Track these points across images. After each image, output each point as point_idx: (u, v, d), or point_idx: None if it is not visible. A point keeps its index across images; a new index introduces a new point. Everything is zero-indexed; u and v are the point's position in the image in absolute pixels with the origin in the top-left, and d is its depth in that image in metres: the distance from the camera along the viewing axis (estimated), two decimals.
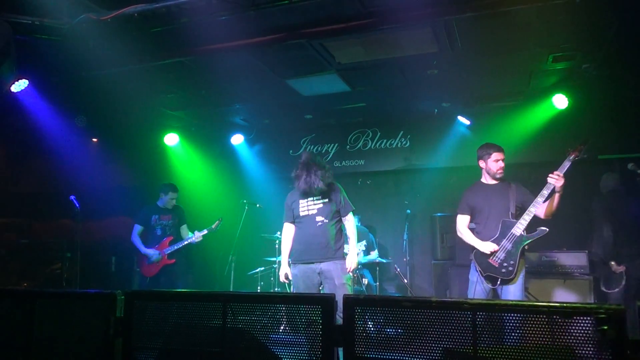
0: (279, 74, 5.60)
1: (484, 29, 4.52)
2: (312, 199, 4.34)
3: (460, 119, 6.86)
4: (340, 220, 4.38)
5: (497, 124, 6.59)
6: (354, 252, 4.28)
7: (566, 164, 3.91)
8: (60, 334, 2.63)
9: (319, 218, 4.27)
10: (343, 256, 4.30)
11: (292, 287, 4.48)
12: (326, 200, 4.31)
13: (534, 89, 6.14)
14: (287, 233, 4.46)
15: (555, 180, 3.83)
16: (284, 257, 4.42)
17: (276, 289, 6.44)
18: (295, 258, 4.35)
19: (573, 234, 5.97)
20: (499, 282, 3.98)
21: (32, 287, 6.22)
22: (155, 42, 4.58)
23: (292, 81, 5.83)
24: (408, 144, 7.35)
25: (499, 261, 3.97)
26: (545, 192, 3.88)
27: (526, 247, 4.02)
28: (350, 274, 4.28)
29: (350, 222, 4.39)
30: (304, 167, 4.31)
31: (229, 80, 5.85)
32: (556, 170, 3.89)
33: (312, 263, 4.21)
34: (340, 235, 4.35)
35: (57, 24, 3.99)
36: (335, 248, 4.23)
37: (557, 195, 3.92)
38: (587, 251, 5.52)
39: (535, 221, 4.04)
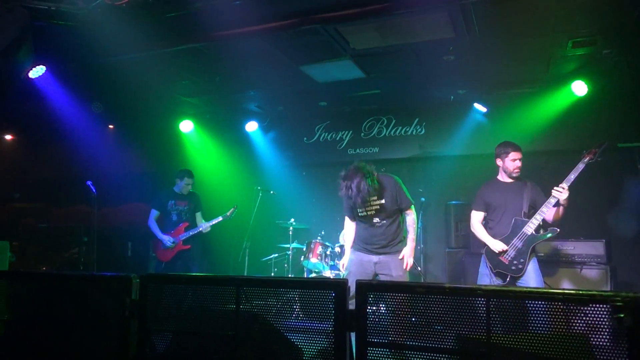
0: (293, 60, 5.57)
1: (501, 13, 4.43)
2: (368, 200, 4.12)
3: (477, 106, 6.76)
4: (400, 216, 4.24)
5: (515, 111, 6.49)
6: (411, 245, 4.15)
7: (580, 167, 3.99)
8: (78, 315, 2.68)
9: (376, 220, 4.13)
10: (402, 249, 4.18)
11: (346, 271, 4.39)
12: (382, 201, 4.10)
13: (552, 76, 6.02)
14: (349, 227, 4.39)
15: (560, 193, 3.94)
16: (347, 248, 4.38)
17: (290, 275, 6.48)
18: (356, 246, 4.31)
19: (590, 223, 5.89)
20: (508, 279, 4.11)
21: (50, 271, 6.34)
22: (169, 27, 4.58)
23: (306, 67, 5.79)
24: (423, 131, 7.28)
25: (509, 259, 4.10)
26: (552, 200, 4.00)
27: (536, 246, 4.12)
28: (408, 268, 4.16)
29: (410, 216, 4.23)
30: (349, 179, 3.98)
31: (244, 67, 5.84)
32: (572, 168, 3.97)
33: (371, 254, 4.16)
34: (400, 229, 4.23)
35: (73, 10, 4.00)
36: (394, 243, 4.14)
37: (561, 208, 4.03)
38: (604, 240, 5.44)
39: None
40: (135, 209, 7.10)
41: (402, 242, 4.18)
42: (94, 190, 5.77)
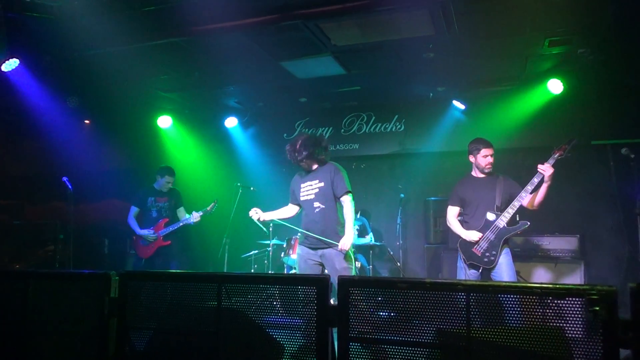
0: (273, 56, 5.55)
1: (480, 12, 4.49)
2: (309, 183, 4.31)
3: (456, 103, 6.84)
4: (338, 205, 4.26)
5: (493, 108, 6.59)
6: (349, 234, 4.16)
7: (550, 162, 4.11)
8: (55, 314, 2.63)
9: (316, 204, 4.24)
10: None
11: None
12: (322, 184, 4.25)
13: (529, 74, 6.12)
14: (286, 210, 4.54)
15: (544, 170, 4.04)
16: (273, 213, 4.53)
17: (270, 272, 6.47)
18: (301, 240, 4.40)
19: (565, 219, 6.03)
20: (480, 270, 4.25)
21: (24, 269, 6.20)
22: (148, 21, 4.52)
23: (287, 63, 5.78)
24: (403, 128, 7.33)
25: (481, 250, 4.24)
26: (536, 179, 4.10)
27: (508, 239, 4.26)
28: (352, 257, 4.21)
29: (346, 204, 4.23)
30: (300, 144, 4.33)
31: (223, 62, 5.78)
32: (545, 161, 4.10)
33: (315, 249, 4.22)
34: (339, 221, 4.24)
35: (48, 2, 3.91)
36: (333, 233, 4.16)
37: (545, 186, 4.11)
38: (578, 235, 5.57)
39: (521, 214, 4.30)
40: (112, 205, 6.98)
41: (341, 234, 4.17)
42: (70, 187, 5.66)
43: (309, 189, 4.30)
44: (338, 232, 4.18)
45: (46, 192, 6.95)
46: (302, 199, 4.34)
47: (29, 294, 2.71)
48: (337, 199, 4.25)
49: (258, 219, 4.45)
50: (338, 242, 4.09)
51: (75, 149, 6.87)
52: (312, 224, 4.23)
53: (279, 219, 4.56)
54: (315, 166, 4.39)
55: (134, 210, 6.03)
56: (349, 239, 4.13)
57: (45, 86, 6.06)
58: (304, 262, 4.29)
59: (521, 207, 4.23)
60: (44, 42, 4.93)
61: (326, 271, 4.21)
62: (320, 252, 4.20)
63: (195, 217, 5.96)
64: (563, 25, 4.73)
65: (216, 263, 6.81)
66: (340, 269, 4.06)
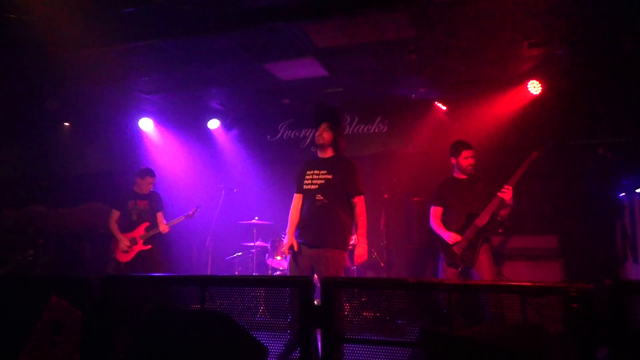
0: (256, 58, 5.53)
1: (461, 15, 4.54)
2: (316, 171, 3.84)
3: (437, 104, 6.91)
4: (347, 203, 3.81)
5: (473, 109, 6.66)
6: (363, 243, 3.76)
7: (526, 164, 4.29)
8: (35, 319, 2.58)
9: (319, 196, 3.75)
10: (345, 246, 3.79)
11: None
12: (330, 176, 3.78)
13: (509, 75, 6.21)
14: (295, 205, 3.97)
15: (504, 194, 4.23)
16: (290, 230, 3.88)
17: (254, 274, 6.44)
18: (296, 235, 3.87)
19: (544, 218, 6.12)
20: (460, 269, 4.33)
21: (2, 274, 6.08)
22: (128, 22, 4.47)
23: (270, 65, 5.77)
24: (386, 129, 7.37)
25: (461, 249, 4.30)
26: (495, 203, 4.26)
27: (487, 237, 4.36)
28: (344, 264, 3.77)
29: (359, 206, 3.80)
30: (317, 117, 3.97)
31: (206, 64, 5.75)
32: (518, 167, 4.29)
33: (308, 247, 3.75)
34: (343, 222, 3.79)
35: (25, 1, 3.85)
36: (333, 233, 3.71)
37: (507, 208, 4.32)
38: (557, 234, 5.66)
39: None
40: (92, 208, 6.89)
41: (343, 238, 3.77)
42: (50, 191, 5.58)
43: (315, 177, 3.84)
44: (338, 233, 3.73)
45: (25, 196, 6.84)
46: (305, 187, 3.87)
47: (6, 299, 2.66)
48: (347, 197, 3.82)
49: (292, 249, 3.85)
50: (336, 244, 3.70)
51: (54, 152, 6.78)
52: (310, 218, 3.77)
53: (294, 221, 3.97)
54: (329, 154, 3.97)
55: (116, 214, 5.95)
56: (364, 249, 3.74)
57: (23, 88, 5.96)
58: (294, 262, 3.81)
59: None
60: (21, 42, 4.84)
61: (316, 275, 3.74)
62: (313, 252, 3.73)
63: (164, 227, 5.89)
64: (541, 27, 4.81)
65: (200, 266, 6.78)
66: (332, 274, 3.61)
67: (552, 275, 5.52)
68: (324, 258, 3.67)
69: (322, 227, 3.73)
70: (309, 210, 3.81)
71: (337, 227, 3.75)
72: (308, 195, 3.85)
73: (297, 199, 4.00)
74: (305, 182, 3.89)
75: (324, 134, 3.95)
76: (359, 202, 3.81)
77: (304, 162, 4.08)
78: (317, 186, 3.81)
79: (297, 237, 3.86)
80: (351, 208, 3.83)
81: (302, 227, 3.84)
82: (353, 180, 3.81)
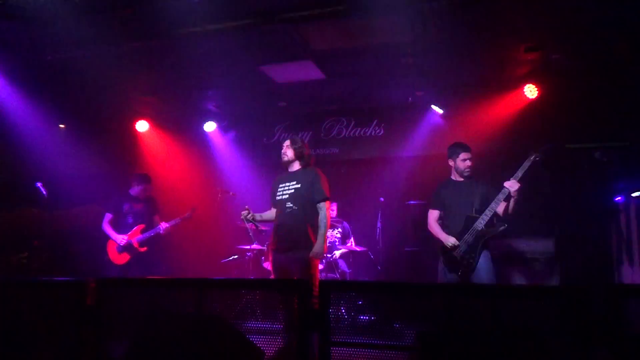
0: (253, 60, 5.53)
1: (458, 18, 4.55)
2: (287, 183, 4.25)
3: (434, 107, 6.91)
4: (315, 208, 4.14)
5: (470, 113, 6.67)
6: (320, 242, 4.03)
7: (526, 164, 4.22)
8: (29, 323, 2.56)
9: (288, 204, 4.13)
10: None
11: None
12: (298, 185, 4.17)
13: (506, 79, 6.23)
14: (271, 213, 4.41)
15: (510, 186, 4.14)
16: (262, 214, 4.42)
17: (251, 277, 6.42)
18: (272, 243, 4.27)
19: (541, 221, 6.12)
20: (460, 273, 4.25)
21: None
22: (125, 24, 4.46)
23: (266, 67, 5.77)
24: (382, 132, 7.38)
25: (461, 253, 4.26)
26: (501, 196, 4.20)
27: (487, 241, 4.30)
28: (317, 267, 4.09)
29: (322, 211, 4.11)
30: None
31: (202, 66, 5.74)
32: (518, 168, 4.20)
33: (283, 253, 4.10)
34: (314, 224, 4.10)
35: (21, 3, 3.83)
36: (302, 239, 4.02)
37: (512, 200, 4.19)
38: (554, 237, 5.67)
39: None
40: (88, 211, 6.85)
41: (312, 242, 4.02)
42: (44, 193, 5.54)
43: (285, 189, 4.24)
44: (308, 236, 4.04)
45: (19, 198, 6.80)
46: (277, 198, 4.28)
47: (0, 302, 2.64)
48: (313, 204, 4.15)
49: (251, 218, 4.30)
50: (306, 246, 3.98)
51: (49, 153, 6.74)
52: (282, 225, 4.14)
53: (266, 219, 4.45)
54: (296, 167, 4.34)
55: (109, 216, 5.91)
56: (320, 248, 4.01)
57: (19, 89, 5.93)
58: (275, 269, 4.19)
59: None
60: (17, 44, 4.82)
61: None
62: (287, 256, 4.05)
63: (164, 227, 5.87)
64: (538, 31, 4.83)
65: (196, 269, 6.75)
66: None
67: (549, 278, 5.53)
68: (295, 261, 4.00)
69: (292, 232, 4.07)
70: (280, 218, 4.21)
71: (306, 231, 4.06)
72: (280, 205, 4.23)
73: (273, 211, 4.41)
74: (278, 194, 4.29)
75: (287, 151, 4.37)
76: (323, 206, 4.15)
77: (276, 178, 4.46)
78: (287, 196, 4.19)
79: (272, 245, 4.24)
80: (317, 212, 4.15)
81: (275, 234, 4.21)
82: (318, 187, 4.16)
